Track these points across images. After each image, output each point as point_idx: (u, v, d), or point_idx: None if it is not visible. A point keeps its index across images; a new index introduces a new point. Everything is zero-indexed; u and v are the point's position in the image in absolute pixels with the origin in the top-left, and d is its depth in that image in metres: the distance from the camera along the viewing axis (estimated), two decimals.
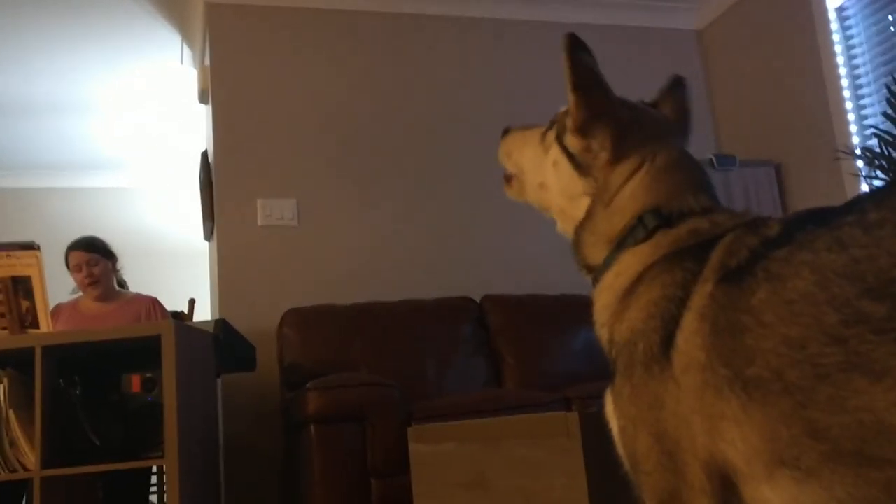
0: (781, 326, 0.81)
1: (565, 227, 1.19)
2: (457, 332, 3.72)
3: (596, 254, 1.11)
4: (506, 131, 1.34)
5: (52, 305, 2.80)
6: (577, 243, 1.15)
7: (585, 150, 1.12)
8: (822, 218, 0.84)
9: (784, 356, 0.80)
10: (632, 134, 1.09)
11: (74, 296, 3.60)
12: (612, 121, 1.09)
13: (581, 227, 1.14)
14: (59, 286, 3.27)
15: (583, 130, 1.10)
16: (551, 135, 1.20)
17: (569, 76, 1.07)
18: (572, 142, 1.13)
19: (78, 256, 3.46)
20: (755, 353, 0.82)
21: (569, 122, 1.12)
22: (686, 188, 1.07)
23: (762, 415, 0.81)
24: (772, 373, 0.80)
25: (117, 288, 3.62)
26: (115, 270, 3.60)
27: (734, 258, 0.89)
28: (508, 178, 1.32)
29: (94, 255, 3.47)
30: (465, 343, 3.70)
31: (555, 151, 1.18)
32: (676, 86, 1.22)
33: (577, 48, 1.07)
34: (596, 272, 1.10)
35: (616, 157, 1.09)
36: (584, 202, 1.13)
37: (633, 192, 1.08)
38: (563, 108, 1.21)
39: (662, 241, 1.01)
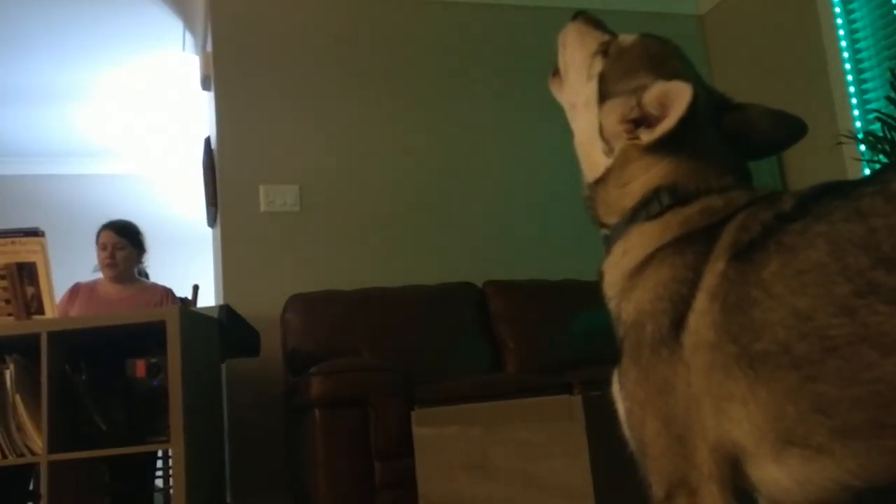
0: (790, 297, 0.78)
1: (583, 169, 1.11)
2: (459, 318, 3.73)
3: (607, 218, 1.07)
4: (577, 14, 1.19)
5: (56, 291, 2.81)
6: (591, 198, 1.10)
7: (616, 137, 1.04)
8: (839, 190, 0.82)
9: (791, 328, 0.78)
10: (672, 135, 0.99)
11: (95, 276, 3.63)
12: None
13: (595, 188, 1.08)
14: (63, 272, 3.29)
15: (646, 146, 1.01)
16: (597, 65, 1.09)
17: (665, 129, 0.97)
18: (608, 122, 1.05)
19: (107, 236, 3.52)
20: (763, 327, 0.80)
21: (622, 121, 1.02)
22: (710, 170, 1.00)
23: (768, 392, 0.79)
24: (779, 346, 0.78)
25: (137, 276, 3.66)
26: (139, 262, 3.65)
27: (747, 234, 0.86)
28: (556, 71, 1.20)
29: (122, 240, 3.53)
30: (466, 328, 3.72)
31: (591, 90, 1.09)
32: (795, 124, 1.09)
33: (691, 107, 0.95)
34: (609, 234, 1.06)
35: (643, 151, 1.02)
36: (602, 161, 1.07)
37: (649, 179, 1.02)
38: (625, 39, 1.09)
39: (672, 222, 0.97)
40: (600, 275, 1.06)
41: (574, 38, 1.17)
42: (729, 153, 1.05)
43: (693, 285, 0.88)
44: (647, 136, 1.00)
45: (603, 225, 1.08)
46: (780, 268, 0.80)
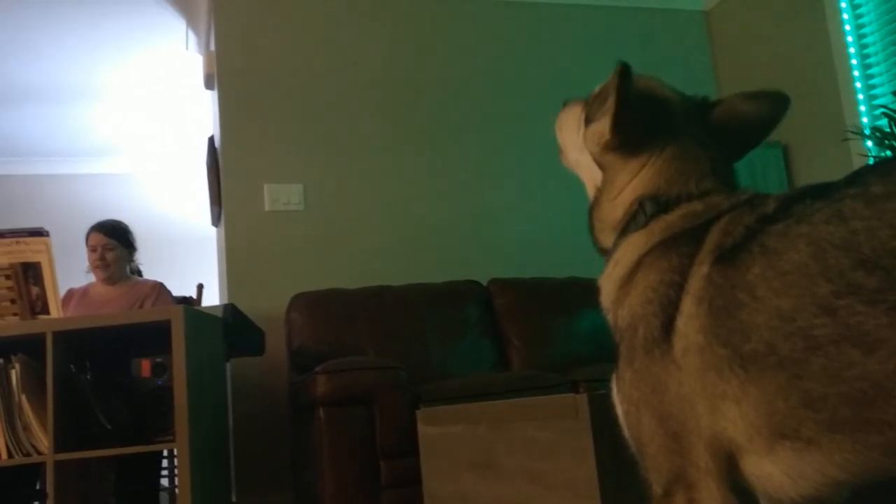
0: (774, 299, 0.81)
1: (590, 200, 1.19)
2: (464, 316, 3.73)
3: (605, 239, 1.12)
4: (564, 104, 1.31)
5: (62, 291, 2.81)
6: (590, 226, 1.16)
7: (598, 152, 1.12)
8: (821, 192, 0.83)
9: (776, 329, 0.80)
10: (647, 136, 1.08)
11: (88, 279, 3.63)
12: (633, 138, 1.08)
13: (593, 211, 1.15)
14: (68, 272, 3.29)
15: (609, 149, 1.10)
16: (582, 116, 1.19)
17: (613, 110, 1.05)
18: (590, 143, 1.13)
19: (96, 238, 3.52)
20: (750, 329, 0.82)
21: (596, 133, 1.11)
22: (690, 174, 1.05)
23: (759, 389, 0.81)
24: (766, 346, 0.80)
25: (129, 274, 3.65)
26: (130, 260, 3.64)
27: (730, 237, 0.89)
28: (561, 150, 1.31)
29: (111, 241, 3.52)
30: (471, 326, 3.71)
31: (580, 136, 1.18)
32: (776, 97, 1.14)
33: (627, 80, 1.03)
34: (607, 256, 1.11)
35: (625, 159, 1.09)
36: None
37: (634, 187, 1.08)
38: (596, 90, 1.19)
39: (655, 229, 1.01)
40: (598, 289, 1.10)
41: (564, 117, 1.27)
42: (712, 155, 1.08)
43: (679, 288, 0.91)
44: (599, 128, 1.07)
45: (603, 248, 1.13)
46: (764, 270, 0.82)
